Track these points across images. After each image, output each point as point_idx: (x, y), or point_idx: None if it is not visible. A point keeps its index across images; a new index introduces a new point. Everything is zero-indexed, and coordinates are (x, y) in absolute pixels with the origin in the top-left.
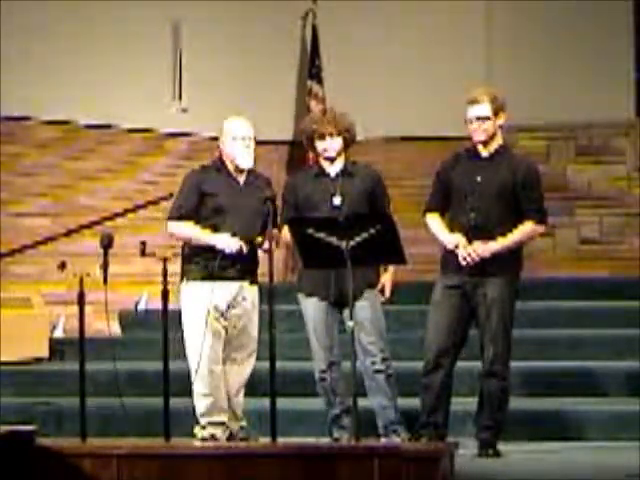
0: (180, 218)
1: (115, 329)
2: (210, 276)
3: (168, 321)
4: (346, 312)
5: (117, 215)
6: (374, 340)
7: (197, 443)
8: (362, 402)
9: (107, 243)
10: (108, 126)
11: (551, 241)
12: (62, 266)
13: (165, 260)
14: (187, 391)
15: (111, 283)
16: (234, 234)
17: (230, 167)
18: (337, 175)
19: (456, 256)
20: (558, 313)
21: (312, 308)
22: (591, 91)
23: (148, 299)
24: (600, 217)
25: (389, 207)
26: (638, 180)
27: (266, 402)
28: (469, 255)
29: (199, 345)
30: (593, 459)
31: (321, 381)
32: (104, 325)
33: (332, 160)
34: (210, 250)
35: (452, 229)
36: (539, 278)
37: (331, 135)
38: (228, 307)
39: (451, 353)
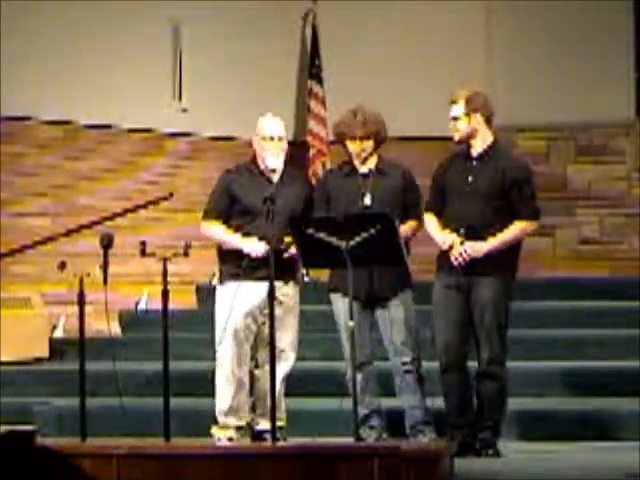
0: (212, 220)
1: (115, 329)
2: (237, 278)
3: (168, 321)
4: (377, 312)
5: (117, 215)
6: (405, 340)
7: (197, 443)
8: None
9: (107, 243)
10: (108, 126)
11: (551, 241)
12: (62, 266)
13: (165, 260)
14: (187, 391)
15: (111, 283)
16: (262, 237)
17: (262, 167)
18: (368, 174)
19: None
20: (558, 313)
21: (343, 307)
22: (591, 91)
23: (148, 299)
24: (600, 217)
25: (421, 203)
26: (638, 180)
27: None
28: (460, 255)
29: (220, 346)
30: (593, 459)
31: (350, 380)
32: (104, 325)
33: (364, 161)
34: (239, 252)
35: (446, 229)
36: (539, 278)
37: (361, 138)
38: (262, 308)
39: (463, 354)
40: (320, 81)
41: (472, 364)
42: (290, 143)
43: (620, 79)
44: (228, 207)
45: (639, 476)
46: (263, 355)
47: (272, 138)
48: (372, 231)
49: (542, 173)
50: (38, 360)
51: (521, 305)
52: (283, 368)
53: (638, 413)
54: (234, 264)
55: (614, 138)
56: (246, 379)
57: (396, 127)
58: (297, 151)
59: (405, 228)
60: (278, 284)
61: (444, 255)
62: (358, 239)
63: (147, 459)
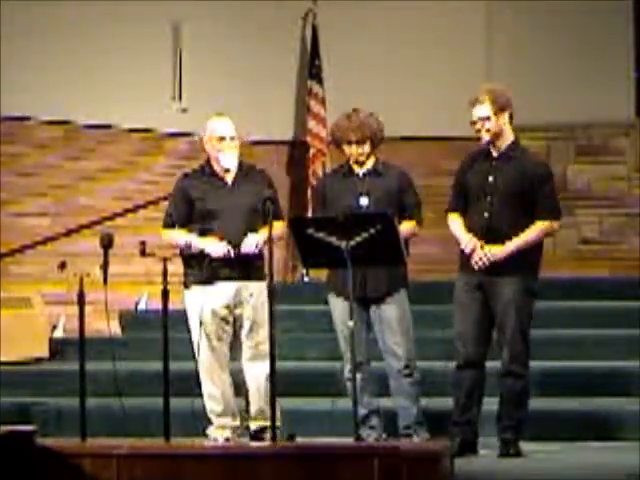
0: (171, 226)
1: (115, 329)
2: (202, 281)
3: (168, 321)
4: (371, 312)
5: (117, 215)
6: (399, 340)
7: (197, 443)
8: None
9: (107, 243)
10: (108, 126)
11: (551, 241)
12: (62, 266)
13: (165, 260)
14: (187, 391)
15: (111, 283)
16: (223, 237)
17: (217, 168)
18: (365, 175)
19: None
20: (558, 313)
21: (339, 308)
22: (591, 91)
23: (148, 299)
24: (600, 217)
25: (419, 206)
26: (638, 180)
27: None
28: (481, 259)
29: (197, 350)
30: (593, 459)
31: (348, 380)
32: (104, 325)
33: (361, 163)
34: (202, 255)
35: (469, 229)
36: (539, 278)
37: (357, 142)
38: (231, 308)
39: (481, 350)
40: (320, 81)
41: (490, 365)
42: (290, 143)
43: (620, 79)
44: (187, 212)
45: (639, 476)
46: (246, 356)
47: (224, 138)
48: (372, 231)
49: None
50: (38, 360)
51: None
52: (263, 368)
53: (638, 413)
54: (198, 267)
55: (614, 138)
56: (229, 379)
57: (396, 127)
58: (297, 151)
59: (402, 229)
60: (243, 283)
61: (466, 254)
62: (358, 239)
63: (147, 459)
